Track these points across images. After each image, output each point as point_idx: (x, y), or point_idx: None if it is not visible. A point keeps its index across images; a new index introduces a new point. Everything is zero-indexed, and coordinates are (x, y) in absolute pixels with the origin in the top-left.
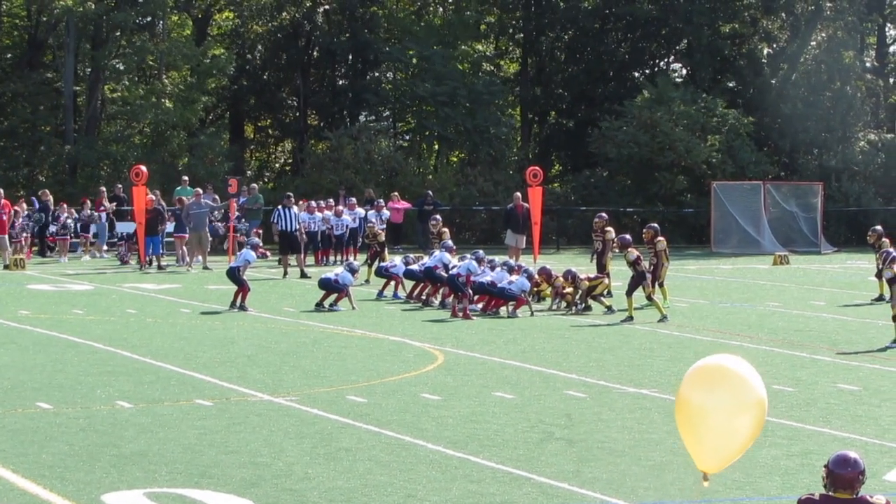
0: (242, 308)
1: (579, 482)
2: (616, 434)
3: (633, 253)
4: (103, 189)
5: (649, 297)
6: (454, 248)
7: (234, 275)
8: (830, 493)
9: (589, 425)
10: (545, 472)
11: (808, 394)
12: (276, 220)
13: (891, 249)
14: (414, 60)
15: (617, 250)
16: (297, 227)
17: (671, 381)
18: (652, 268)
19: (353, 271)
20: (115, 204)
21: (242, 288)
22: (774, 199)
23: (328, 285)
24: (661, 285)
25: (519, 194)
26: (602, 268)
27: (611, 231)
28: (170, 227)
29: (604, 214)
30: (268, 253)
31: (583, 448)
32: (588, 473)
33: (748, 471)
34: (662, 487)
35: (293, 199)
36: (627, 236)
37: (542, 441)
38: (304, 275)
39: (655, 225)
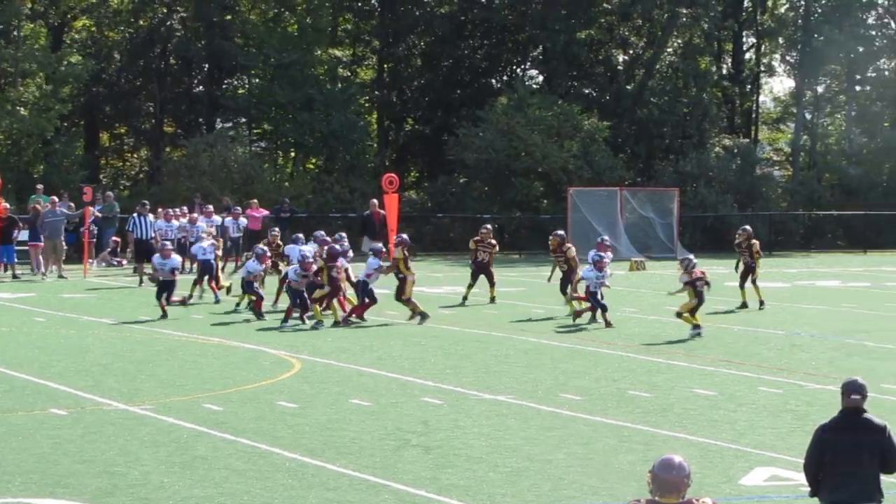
0: (259, 315)
1: (436, 489)
2: (473, 440)
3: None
4: None
5: (406, 301)
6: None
7: (249, 286)
8: (656, 499)
9: (446, 432)
10: (402, 479)
11: (664, 399)
12: (131, 228)
13: (690, 256)
14: (270, 67)
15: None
16: (153, 234)
17: (527, 387)
18: (563, 274)
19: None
20: None
21: (256, 300)
22: (631, 205)
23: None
24: (561, 292)
25: (375, 201)
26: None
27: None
28: (23, 234)
29: (560, 232)
30: (123, 261)
31: (439, 455)
32: (445, 480)
33: (605, 476)
34: (519, 493)
35: (148, 207)
36: (404, 235)
37: (399, 448)
38: (149, 281)
39: (562, 232)
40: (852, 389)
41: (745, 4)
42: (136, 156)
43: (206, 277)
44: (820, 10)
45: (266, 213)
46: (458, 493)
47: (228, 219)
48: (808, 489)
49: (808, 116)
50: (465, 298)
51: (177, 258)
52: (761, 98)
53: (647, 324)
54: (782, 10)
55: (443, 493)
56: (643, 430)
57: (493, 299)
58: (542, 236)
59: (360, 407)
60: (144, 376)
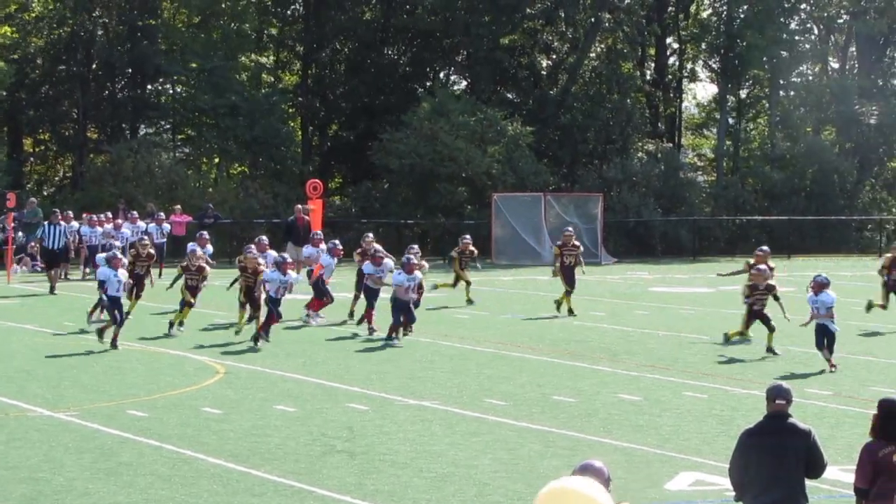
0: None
1: (361, 495)
2: (398, 446)
3: None
4: None
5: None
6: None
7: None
8: None
9: (371, 438)
10: (327, 484)
11: (589, 404)
12: (42, 236)
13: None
14: (194, 72)
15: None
16: (66, 241)
17: (452, 392)
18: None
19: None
20: None
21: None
22: (555, 210)
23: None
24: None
25: (300, 206)
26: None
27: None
28: None
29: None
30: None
31: (364, 460)
32: (370, 486)
33: (530, 482)
34: (444, 499)
35: (59, 215)
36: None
37: (324, 454)
38: (52, 290)
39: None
40: (776, 394)
41: (668, 10)
42: (60, 162)
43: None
44: (743, 16)
45: (189, 218)
46: (383, 498)
47: (152, 225)
48: (733, 494)
49: (732, 121)
50: (560, 307)
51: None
52: (685, 103)
53: (571, 329)
54: (705, 14)
55: (368, 498)
56: (568, 436)
57: (562, 307)
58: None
59: (285, 413)
60: (68, 382)
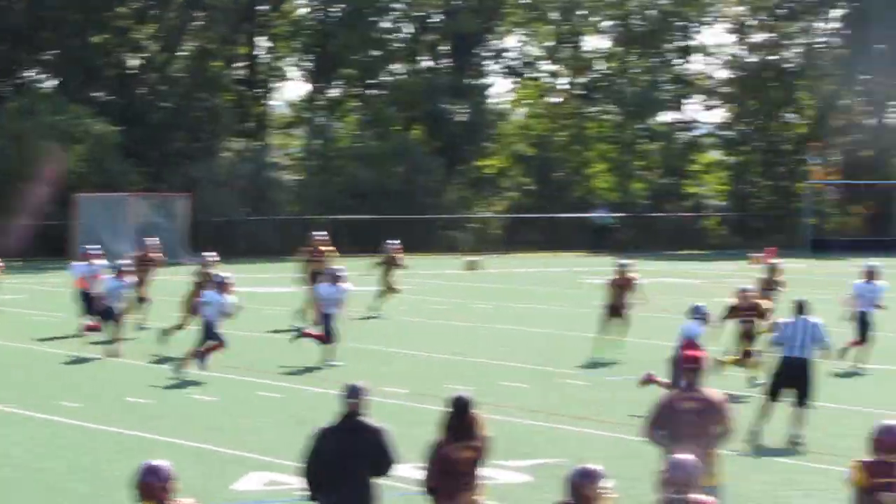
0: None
1: None
2: None
3: None
4: None
5: None
6: None
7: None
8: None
9: None
10: None
11: (163, 405)
12: None
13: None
14: None
15: None
16: None
17: (24, 394)
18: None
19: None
20: None
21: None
22: (140, 211)
23: None
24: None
25: None
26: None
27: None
28: None
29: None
30: None
31: None
32: None
33: (98, 484)
34: None
35: None
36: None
37: None
38: None
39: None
40: (349, 393)
41: (261, 8)
42: None
43: None
44: (339, 14)
45: None
46: None
47: None
48: (306, 493)
49: (322, 120)
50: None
51: None
52: (275, 102)
53: (151, 332)
54: (301, 12)
55: None
56: (141, 437)
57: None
58: (48, 243)
59: None
60: None
